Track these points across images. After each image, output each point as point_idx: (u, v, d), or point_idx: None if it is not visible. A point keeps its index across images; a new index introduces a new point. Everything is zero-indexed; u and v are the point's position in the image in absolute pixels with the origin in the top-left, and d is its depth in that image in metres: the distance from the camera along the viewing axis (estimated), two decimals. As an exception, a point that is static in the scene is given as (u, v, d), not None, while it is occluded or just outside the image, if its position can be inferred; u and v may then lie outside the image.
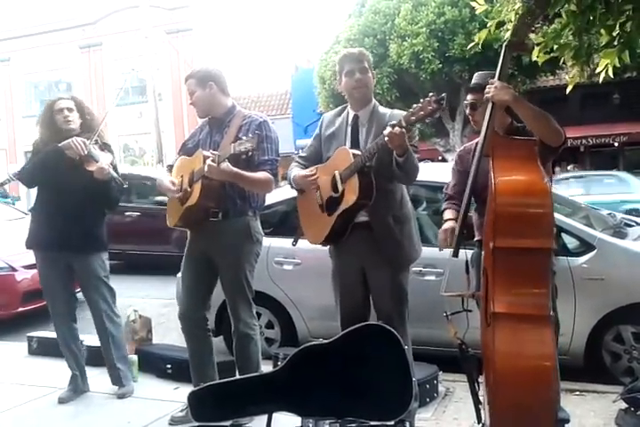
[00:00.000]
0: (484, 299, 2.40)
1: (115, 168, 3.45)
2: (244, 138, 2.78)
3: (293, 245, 3.22)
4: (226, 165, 2.82)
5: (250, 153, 2.77)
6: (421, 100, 2.46)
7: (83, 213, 3.42)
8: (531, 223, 2.27)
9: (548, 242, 2.27)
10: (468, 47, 3.83)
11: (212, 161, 2.83)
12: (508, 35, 2.66)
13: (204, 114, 3.21)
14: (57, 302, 3.53)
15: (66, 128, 3.45)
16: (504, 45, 2.55)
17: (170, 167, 3.34)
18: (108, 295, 3.56)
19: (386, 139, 2.50)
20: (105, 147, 3.57)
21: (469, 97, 2.88)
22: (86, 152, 3.31)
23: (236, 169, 2.86)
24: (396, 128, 2.46)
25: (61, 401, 3.50)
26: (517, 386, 2.14)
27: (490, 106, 2.50)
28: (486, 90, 2.48)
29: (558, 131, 2.50)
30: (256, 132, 2.81)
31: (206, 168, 2.84)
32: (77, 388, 3.58)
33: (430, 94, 2.44)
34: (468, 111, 2.86)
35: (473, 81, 2.85)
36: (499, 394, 2.19)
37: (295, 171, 2.95)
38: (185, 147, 3.29)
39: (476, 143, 2.78)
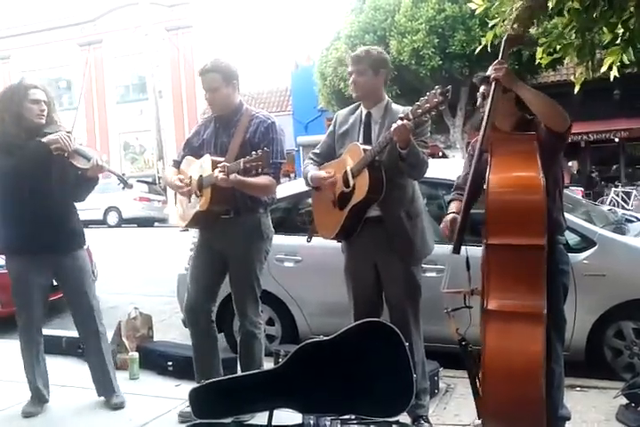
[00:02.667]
0: (481, 296, 2.40)
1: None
2: (254, 154, 2.77)
3: (308, 241, 3.25)
4: (234, 176, 2.85)
5: (260, 169, 2.80)
6: (427, 93, 2.51)
7: (61, 213, 3.25)
8: (522, 220, 2.25)
9: (541, 239, 2.25)
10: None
11: (222, 172, 2.84)
12: (507, 28, 2.63)
13: (221, 112, 3.16)
14: (35, 311, 3.29)
15: (36, 122, 3.15)
16: (503, 39, 2.53)
17: (175, 162, 3.33)
18: (93, 291, 3.36)
19: (392, 131, 2.58)
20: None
21: (483, 87, 2.71)
22: (73, 148, 3.10)
23: (241, 178, 2.88)
24: (404, 121, 2.53)
25: (27, 415, 3.27)
26: (505, 383, 2.15)
27: (492, 87, 2.46)
28: (490, 70, 2.47)
29: (563, 114, 2.42)
30: (265, 149, 2.80)
31: (215, 179, 2.86)
32: (43, 399, 3.38)
33: (436, 87, 2.49)
34: (479, 102, 2.72)
35: (487, 73, 2.70)
36: (487, 390, 2.20)
37: (312, 171, 2.99)
38: (190, 145, 3.28)
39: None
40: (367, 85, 2.89)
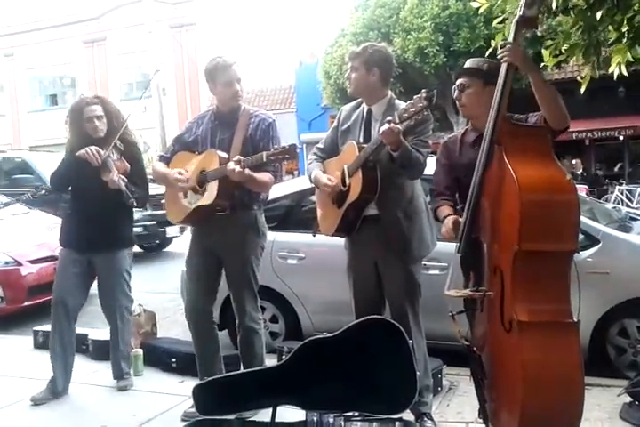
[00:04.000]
0: (497, 301, 2.25)
1: (139, 173, 3.54)
2: (279, 147, 2.79)
3: (313, 235, 3.28)
4: (247, 170, 2.86)
5: (285, 162, 2.84)
6: (414, 97, 2.49)
7: (109, 216, 3.47)
8: (558, 224, 2.10)
9: (574, 243, 2.15)
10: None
11: (238, 165, 2.83)
12: (518, 11, 2.43)
13: (235, 105, 3.15)
14: (68, 298, 3.49)
15: (95, 137, 3.48)
16: (514, 21, 2.30)
17: (163, 158, 3.29)
18: (128, 291, 3.65)
19: (380, 133, 2.58)
20: (128, 148, 3.56)
21: (460, 80, 2.57)
22: (100, 162, 3.35)
23: (252, 173, 2.90)
24: (391, 125, 2.52)
25: (35, 402, 3.39)
26: (546, 394, 2.07)
27: (504, 72, 2.23)
28: (500, 53, 2.26)
29: (566, 112, 2.30)
30: (293, 144, 2.82)
31: (229, 172, 2.85)
32: (56, 390, 3.47)
33: (422, 91, 2.47)
34: (455, 94, 2.59)
35: (466, 65, 2.65)
36: (528, 402, 2.09)
37: (315, 171, 3.00)
38: (181, 141, 3.26)
39: (464, 133, 2.68)
40: (358, 82, 2.91)
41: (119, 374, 3.65)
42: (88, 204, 3.49)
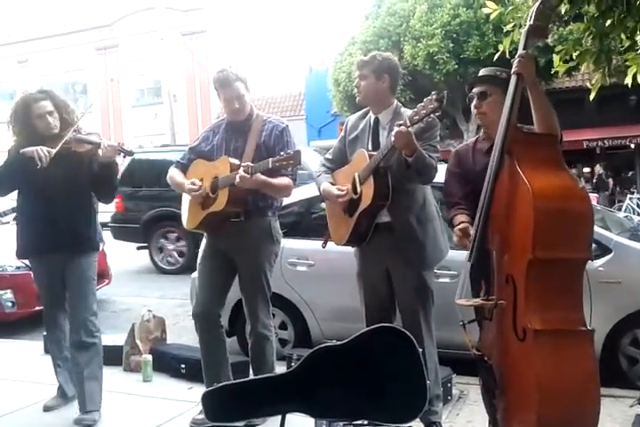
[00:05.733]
0: (510, 310, 2.22)
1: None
2: (284, 154, 2.80)
3: (323, 247, 3.26)
4: (257, 175, 2.87)
5: (290, 168, 2.86)
6: (424, 99, 2.51)
7: (73, 216, 3.20)
8: (572, 231, 2.10)
9: (589, 251, 2.16)
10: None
11: (245, 172, 2.84)
12: (528, 21, 2.43)
13: (241, 117, 3.16)
14: (57, 306, 3.33)
15: (49, 134, 3.18)
16: (524, 31, 2.33)
17: (180, 164, 3.30)
18: (91, 301, 3.26)
19: (392, 139, 2.58)
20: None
21: (478, 88, 2.57)
22: (45, 165, 3.03)
23: (264, 178, 2.91)
24: (402, 127, 2.52)
25: (47, 409, 3.37)
26: (562, 404, 2.05)
27: (514, 83, 2.25)
28: (514, 64, 2.27)
29: (558, 127, 2.33)
30: (298, 150, 2.84)
31: (238, 179, 2.85)
32: (65, 395, 3.45)
33: (432, 93, 2.48)
34: (474, 103, 2.57)
35: (482, 73, 2.65)
36: (544, 412, 2.06)
37: (324, 183, 3.01)
38: (197, 150, 3.28)
39: (476, 141, 2.68)
40: (368, 90, 2.92)
41: (84, 407, 3.20)
42: (48, 203, 3.15)
